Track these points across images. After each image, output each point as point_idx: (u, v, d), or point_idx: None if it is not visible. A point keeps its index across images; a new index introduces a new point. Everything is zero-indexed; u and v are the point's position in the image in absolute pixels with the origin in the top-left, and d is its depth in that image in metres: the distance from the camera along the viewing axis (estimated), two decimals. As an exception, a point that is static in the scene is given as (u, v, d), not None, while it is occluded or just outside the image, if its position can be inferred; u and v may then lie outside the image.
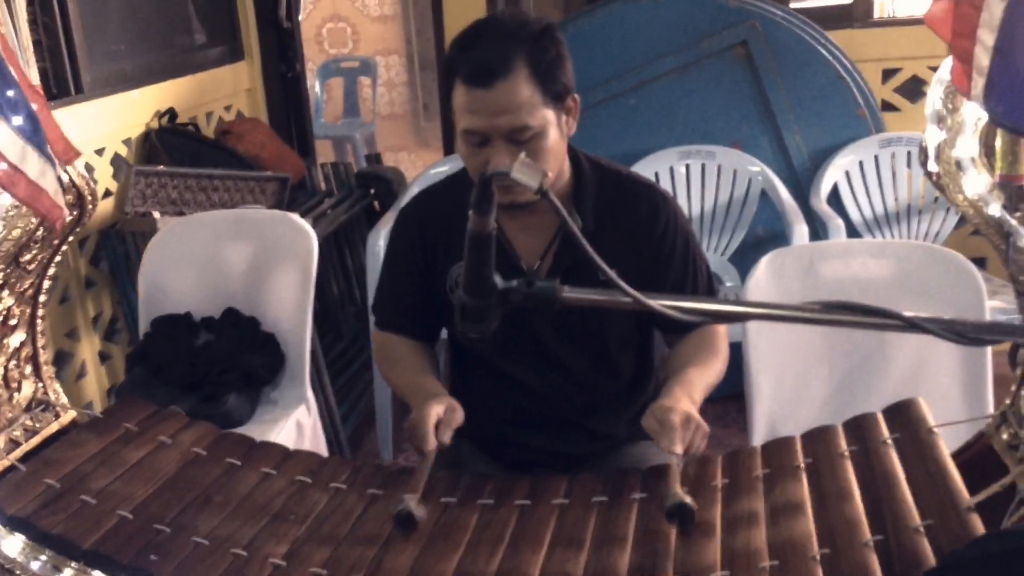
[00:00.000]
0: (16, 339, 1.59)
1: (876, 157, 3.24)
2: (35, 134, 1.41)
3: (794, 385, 1.96)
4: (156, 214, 2.77)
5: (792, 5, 3.58)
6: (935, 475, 1.22)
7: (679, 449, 1.34)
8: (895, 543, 1.11)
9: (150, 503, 1.35)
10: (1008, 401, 1.37)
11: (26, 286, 1.59)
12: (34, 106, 1.43)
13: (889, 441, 1.33)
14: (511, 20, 1.49)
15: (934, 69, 1.39)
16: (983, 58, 1.16)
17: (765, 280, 1.93)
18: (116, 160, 2.88)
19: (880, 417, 1.40)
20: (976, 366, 1.87)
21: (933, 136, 1.33)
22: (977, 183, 1.31)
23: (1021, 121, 1.16)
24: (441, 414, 1.44)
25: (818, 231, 3.02)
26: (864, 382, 1.93)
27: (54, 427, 1.60)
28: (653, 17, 3.21)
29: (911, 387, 1.82)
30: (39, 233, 1.53)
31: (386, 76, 6.82)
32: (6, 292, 1.55)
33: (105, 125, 2.83)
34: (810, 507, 1.22)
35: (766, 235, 3.25)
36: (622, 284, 1.00)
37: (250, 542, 1.27)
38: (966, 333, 0.93)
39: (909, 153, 3.21)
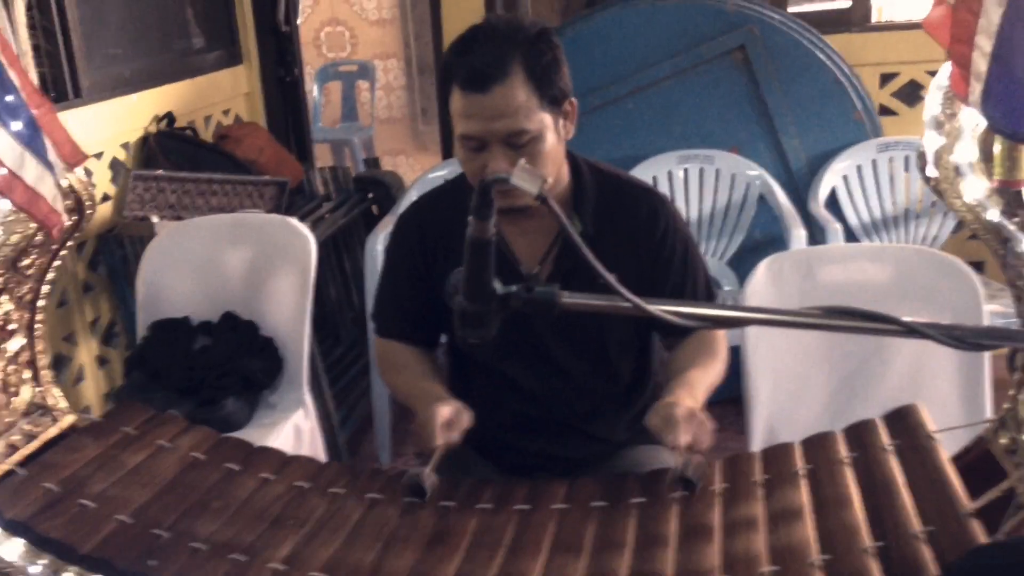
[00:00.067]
0: (15, 344, 1.59)
1: (874, 161, 3.24)
2: (34, 139, 1.41)
3: (792, 389, 1.96)
4: (154, 218, 2.76)
5: (790, 9, 3.59)
6: (935, 481, 1.22)
7: (684, 441, 1.34)
8: (895, 549, 1.11)
9: (149, 507, 1.34)
10: (1007, 405, 1.37)
11: (25, 291, 1.59)
12: (37, 110, 1.43)
13: (889, 447, 1.33)
14: (506, 25, 1.50)
15: (932, 73, 1.39)
16: (981, 64, 1.16)
17: (764, 284, 1.94)
18: (114, 164, 2.88)
19: (879, 423, 1.40)
20: (974, 370, 1.87)
21: (931, 141, 1.33)
22: (975, 188, 1.31)
23: (1018, 127, 1.16)
24: (448, 415, 1.44)
25: (816, 235, 3.03)
26: (862, 386, 1.93)
27: (53, 431, 1.60)
28: (651, 21, 3.22)
29: (909, 391, 1.83)
30: (38, 238, 1.53)
31: (384, 80, 6.81)
32: (5, 297, 1.54)
33: (103, 129, 2.83)
34: (810, 513, 1.22)
35: (764, 239, 3.25)
36: (621, 289, 1.00)
37: (249, 547, 1.27)
38: (965, 338, 0.93)
39: (907, 157, 3.22)
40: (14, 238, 1.48)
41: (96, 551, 1.24)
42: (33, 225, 1.49)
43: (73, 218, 1.60)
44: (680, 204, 3.20)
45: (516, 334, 1.55)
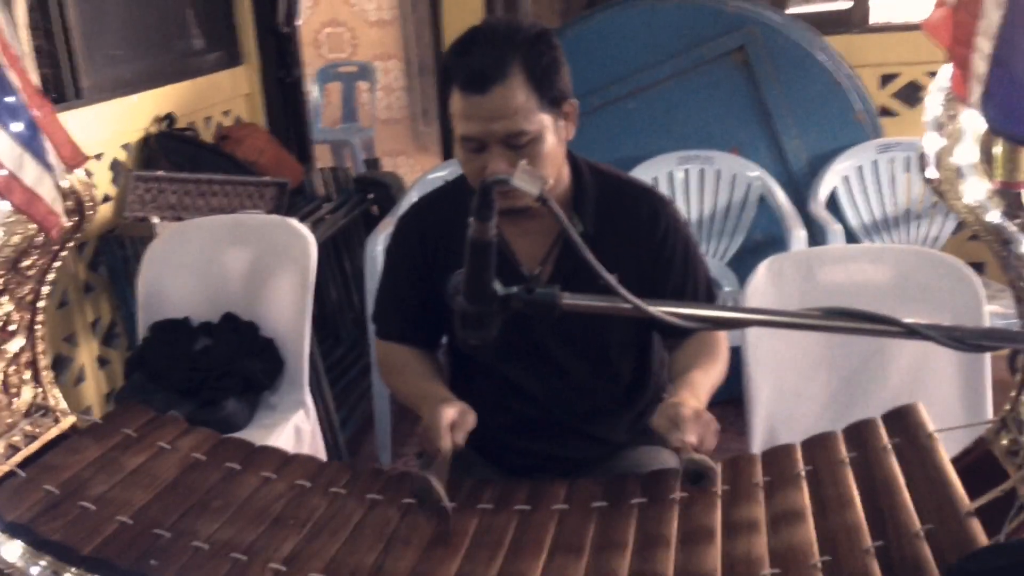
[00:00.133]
0: (15, 344, 1.59)
1: (874, 162, 3.24)
2: (33, 140, 1.41)
3: (793, 389, 1.96)
4: (155, 219, 2.76)
5: (790, 10, 3.59)
6: (935, 480, 1.23)
7: (691, 439, 1.34)
8: (896, 549, 1.11)
9: (149, 508, 1.34)
10: (1008, 406, 1.37)
11: (25, 292, 1.59)
12: (38, 112, 1.43)
13: (889, 447, 1.33)
14: (506, 26, 1.50)
15: (932, 74, 1.39)
16: (981, 65, 1.16)
17: (764, 285, 1.94)
18: (115, 165, 2.88)
19: (880, 423, 1.40)
20: (975, 371, 1.87)
21: (932, 143, 1.33)
22: (976, 190, 1.31)
23: (1018, 128, 1.16)
24: (454, 417, 1.44)
25: (816, 236, 3.03)
26: (863, 387, 1.93)
27: (53, 432, 1.60)
28: (651, 22, 3.22)
29: (910, 392, 1.83)
30: (39, 239, 1.53)
31: (384, 81, 6.81)
32: (6, 298, 1.54)
33: (104, 130, 2.83)
34: (811, 514, 1.23)
35: (764, 240, 3.25)
36: (622, 290, 1.00)
37: (250, 547, 1.27)
38: (966, 340, 0.93)
39: (907, 158, 3.22)
40: (15, 239, 1.48)
41: (97, 552, 1.24)
42: (34, 226, 1.49)
43: (74, 219, 1.60)
44: (680, 205, 3.20)
45: (517, 335, 1.55)
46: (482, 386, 1.67)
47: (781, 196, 3.12)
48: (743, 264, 3.13)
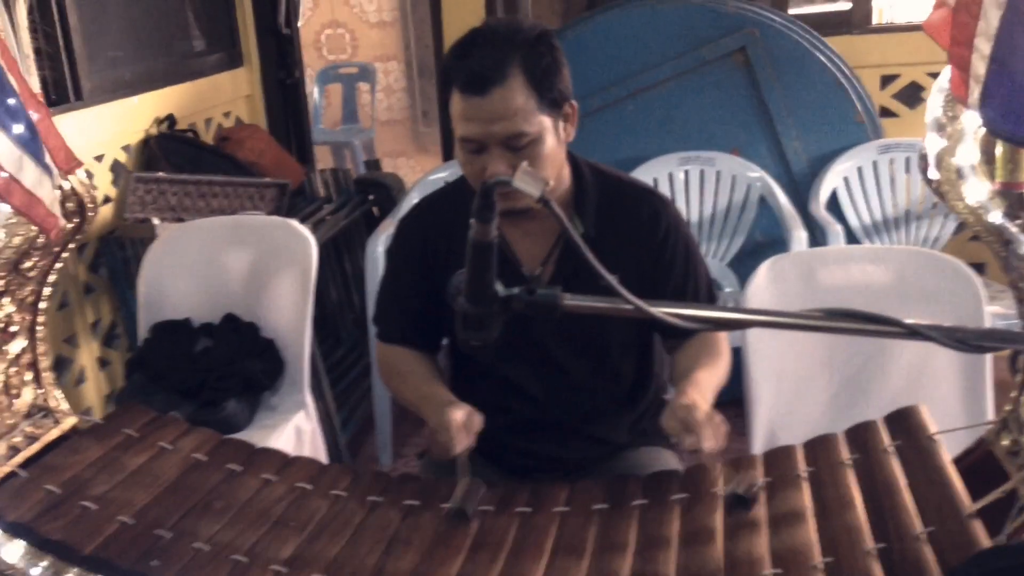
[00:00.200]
0: (16, 346, 1.59)
1: (875, 163, 3.24)
2: (33, 143, 1.41)
3: (794, 390, 1.96)
4: (155, 220, 2.77)
5: (790, 11, 3.59)
6: (936, 482, 1.22)
7: (709, 445, 1.34)
8: (897, 550, 1.11)
9: (150, 509, 1.34)
10: (1008, 407, 1.37)
11: (26, 293, 1.59)
12: (35, 115, 1.43)
13: (890, 449, 1.33)
14: (506, 27, 1.50)
15: (932, 75, 1.39)
16: (980, 66, 1.16)
17: (765, 286, 1.94)
18: (115, 167, 2.88)
19: (881, 424, 1.40)
20: (976, 372, 1.87)
21: (933, 144, 1.33)
22: (977, 191, 1.31)
23: (1016, 129, 1.16)
24: (462, 420, 1.44)
25: (817, 237, 3.03)
26: (864, 388, 1.93)
27: (54, 433, 1.60)
28: (652, 23, 3.22)
29: (911, 393, 1.83)
30: (40, 240, 1.53)
31: (385, 82, 6.81)
32: (7, 299, 1.55)
33: (104, 132, 2.84)
34: (812, 515, 1.22)
35: (765, 241, 3.25)
36: (623, 291, 1.00)
37: (251, 548, 1.27)
38: (967, 340, 0.93)
39: (908, 159, 3.22)
40: (16, 240, 1.48)
41: (98, 552, 1.24)
42: (35, 228, 1.50)
43: (75, 220, 1.60)
44: (681, 206, 3.20)
45: (518, 336, 1.54)
46: (483, 387, 1.67)
47: (782, 197, 3.12)
48: (744, 265, 3.13)
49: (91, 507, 1.33)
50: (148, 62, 3.15)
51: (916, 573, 1.07)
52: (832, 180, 3.21)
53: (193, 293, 2.42)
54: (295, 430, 2.28)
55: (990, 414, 1.84)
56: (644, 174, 3.16)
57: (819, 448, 1.39)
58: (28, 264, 1.55)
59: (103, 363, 2.81)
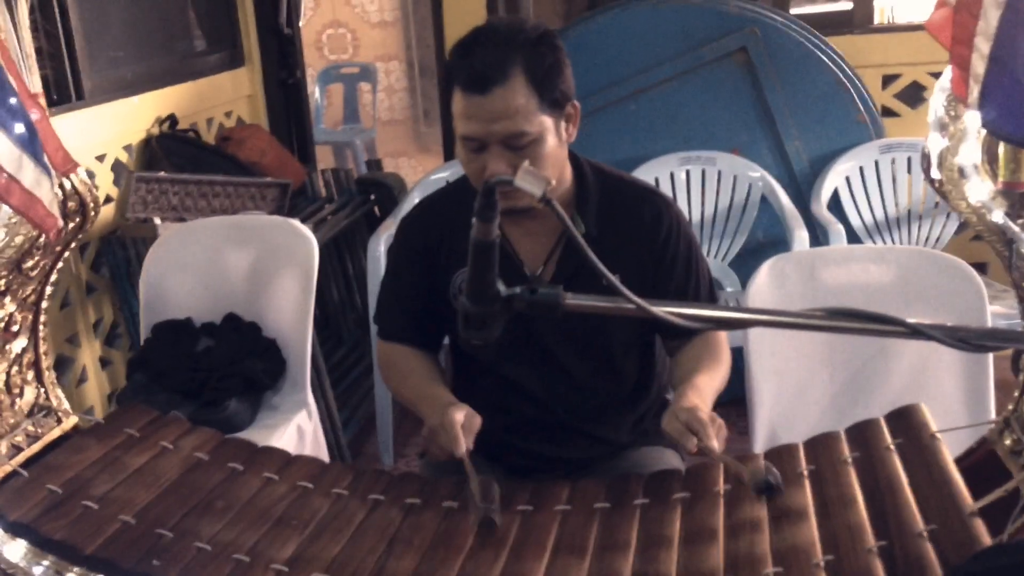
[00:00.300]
0: (18, 345, 1.59)
1: (876, 163, 3.24)
2: (32, 143, 1.41)
3: (795, 390, 1.96)
4: (157, 220, 2.77)
5: (792, 11, 3.59)
6: (938, 480, 1.22)
7: (715, 444, 1.34)
8: (899, 549, 1.11)
9: (152, 508, 1.34)
10: (1011, 407, 1.37)
11: (28, 292, 1.59)
12: (33, 115, 1.43)
13: (892, 447, 1.33)
14: (507, 27, 1.50)
15: (934, 75, 1.39)
16: (979, 66, 1.16)
17: (766, 286, 1.94)
18: (117, 166, 2.88)
19: (882, 423, 1.40)
20: (978, 371, 1.87)
21: (935, 143, 1.33)
22: (980, 190, 1.31)
23: (1015, 129, 1.16)
24: (463, 420, 1.44)
25: (818, 237, 3.03)
26: (865, 387, 1.93)
27: (56, 433, 1.60)
28: (653, 23, 3.22)
29: (913, 392, 1.82)
30: (41, 240, 1.53)
31: (386, 82, 6.81)
32: (8, 298, 1.55)
33: (106, 131, 2.84)
34: (813, 513, 1.22)
35: (766, 241, 3.25)
36: (625, 291, 1.00)
37: (252, 547, 1.27)
38: (969, 340, 0.93)
39: (909, 159, 3.22)
40: (18, 240, 1.48)
41: (99, 552, 1.24)
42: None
43: (76, 220, 1.60)
44: (682, 206, 3.20)
45: (520, 335, 1.55)
46: (484, 387, 1.67)
47: (783, 197, 3.12)
48: (745, 265, 3.13)
49: (93, 506, 1.33)
50: (149, 62, 3.15)
51: (917, 571, 1.07)
52: (834, 180, 3.21)
53: (194, 293, 2.42)
54: (296, 429, 2.28)
55: (992, 414, 1.83)
56: (645, 174, 3.16)
57: (820, 446, 1.38)
58: (30, 263, 1.55)
59: (104, 363, 2.81)
